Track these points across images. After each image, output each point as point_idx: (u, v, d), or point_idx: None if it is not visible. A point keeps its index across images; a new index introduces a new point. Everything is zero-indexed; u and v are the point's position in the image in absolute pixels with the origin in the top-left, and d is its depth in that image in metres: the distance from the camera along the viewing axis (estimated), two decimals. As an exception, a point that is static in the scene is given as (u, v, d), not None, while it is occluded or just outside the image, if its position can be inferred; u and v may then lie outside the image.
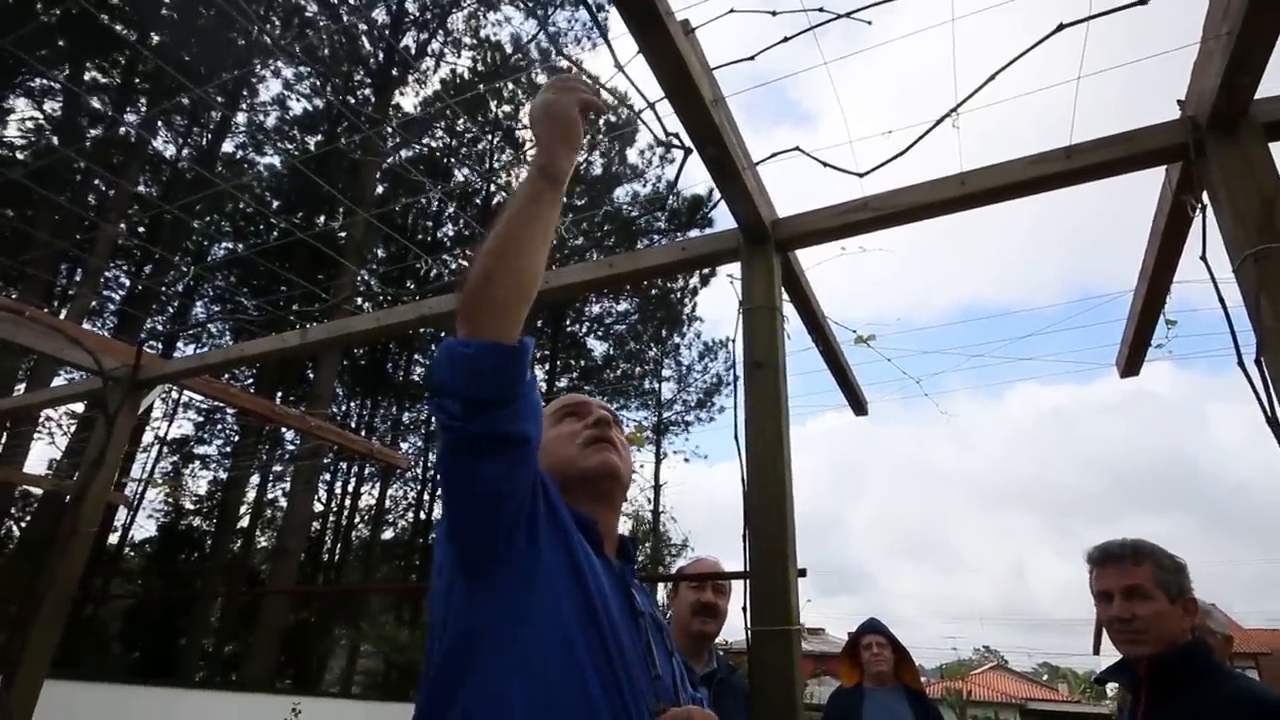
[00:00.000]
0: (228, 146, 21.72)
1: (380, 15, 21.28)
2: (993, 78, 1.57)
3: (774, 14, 1.35)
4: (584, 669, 0.91)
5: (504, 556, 0.95)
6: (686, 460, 28.24)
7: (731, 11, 1.34)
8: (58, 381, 13.02)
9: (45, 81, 17.07)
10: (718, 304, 29.94)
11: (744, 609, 1.73)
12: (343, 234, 18.80)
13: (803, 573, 1.77)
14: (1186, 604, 1.73)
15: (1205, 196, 1.71)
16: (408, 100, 22.65)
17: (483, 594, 0.94)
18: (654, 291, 26.91)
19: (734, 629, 2.29)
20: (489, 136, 23.30)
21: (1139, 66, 1.81)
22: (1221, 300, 1.56)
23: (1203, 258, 1.63)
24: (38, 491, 16.83)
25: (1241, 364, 1.51)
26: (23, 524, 19.60)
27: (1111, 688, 2.90)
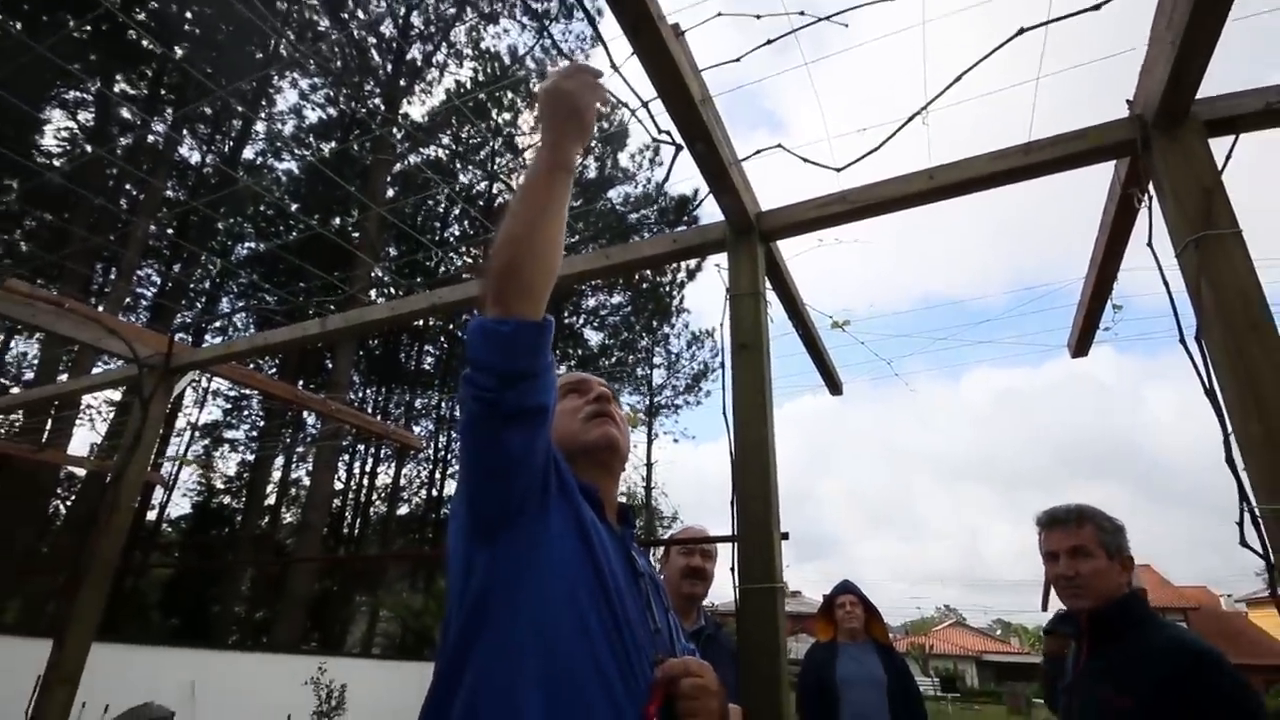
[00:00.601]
0: (248, 153, 21.49)
1: (388, 29, 21.01)
2: (959, 78, 1.56)
3: (759, 17, 1.33)
4: (589, 622, 0.91)
5: (518, 520, 0.95)
6: (676, 441, 28.39)
7: (719, 15, 1.33)
8: (96, 370, 12.89)
9: (77, 94, 16.79)
10: (704, 296, 29.96)
11: (732, 569, 1.74)
12: (356, 234, 18.64)
13: (785, 535, 1.78)
14: (1124, 561, 1.76)
15: (1151, 189, 1.71)
16: (415, 109, 22.44)
17: (499, 555, 0.94)
18: (645, 285, 26.88)
19: (719, 592, 2.30)
20: (491, 142, 23.10)
21: (1093, 66, 1.81)
22: (1166, 284, 1.56)
23: (1149, 244, 1.63)
24: (81, 472, 16.72)
25: (1183, 342, 1.51)
26: (68, 503, 19.49)
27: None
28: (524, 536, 0.95)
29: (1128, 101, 1.76)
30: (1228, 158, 1.59)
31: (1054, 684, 2.95)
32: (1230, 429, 1.36)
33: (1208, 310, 1.44)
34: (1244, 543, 1.31)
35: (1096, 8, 1.46)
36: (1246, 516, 1.31)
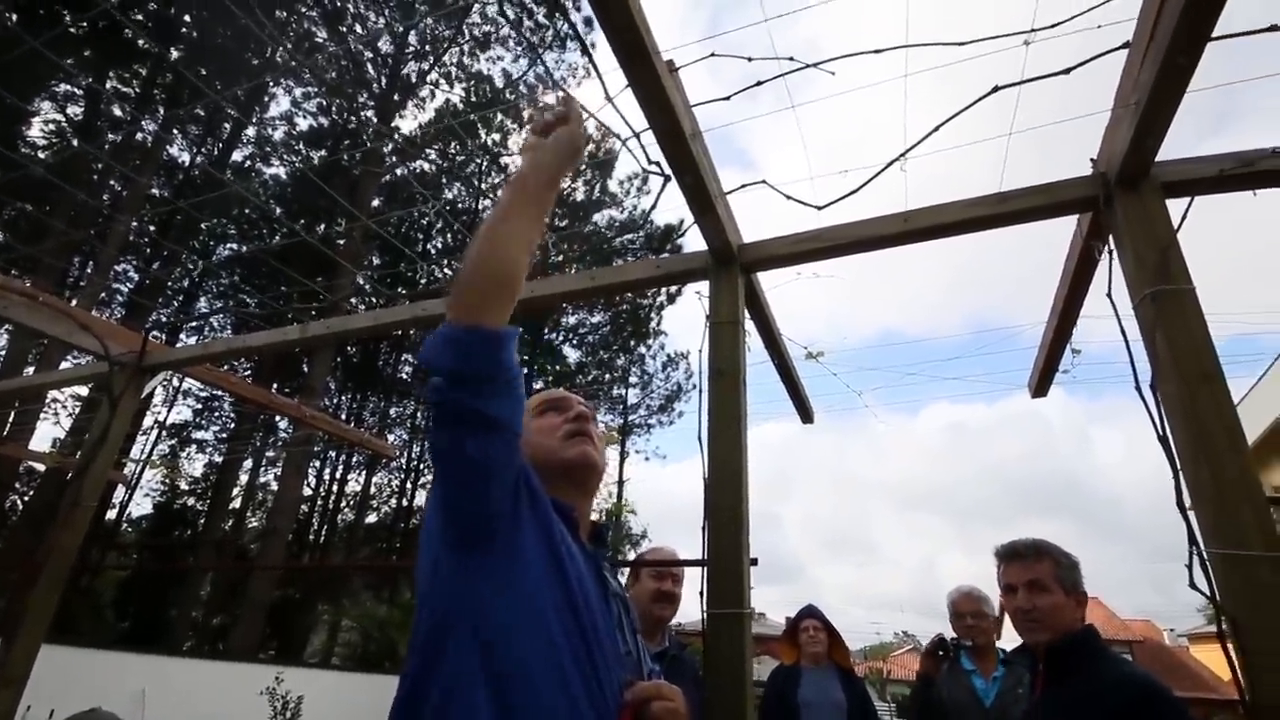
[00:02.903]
0: (237, 156, 21.22)
1: (385, 45, 21.01)
2: (938, 128, 1.60)
3: (750, 59, 1.36)
4: (557, 642, 0.89)
5: (489, 536, 0.93)
6: (647, 459, 28.33)
7: (713, 55, 1.35)
8: (65, 366, 12.47)
9: (68, 88, 16.47)
10: (681, 320, 30.17)
11: (701, 592, 1.72)
12: (341, 241, 18.44)
13: (754, 561, 1.77)
14: (1079, 597, 1.77)
15: (1111, 243, 1.76)
16: (406, 124, 22.41)
17: (469, 568, 0.92)
18: (624, 307, 26.95)
19: (683, 612, 2.29)
20: (479, 161, 23.13)
21: (1061, 124, 1.87)
22: (1124, 333, 1.60)
23: (1109, 295, 1.67)
24: (41, 468, 16.10)
25: (1139, 389, 1.55)
26: (26, 498, 18.71)
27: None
28: (495, 549, 0.93)
29: (1092, 160, 1.83)
30: (1183, 218, 1.65)
31: (924, 706, 3.02)
32: (1181, 474, 1.40)
33: (1162, 360, 1.49)
34: (1193, 585, 1.34)
35: (1067, 72, 1.52)
36: (1195, 559, 1.34)
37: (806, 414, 3.34)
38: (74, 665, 8.73)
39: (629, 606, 1.15)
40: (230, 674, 11.51)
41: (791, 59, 1.37)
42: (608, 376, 27.86)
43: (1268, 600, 1.22)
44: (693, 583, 2.34)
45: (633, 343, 27.75)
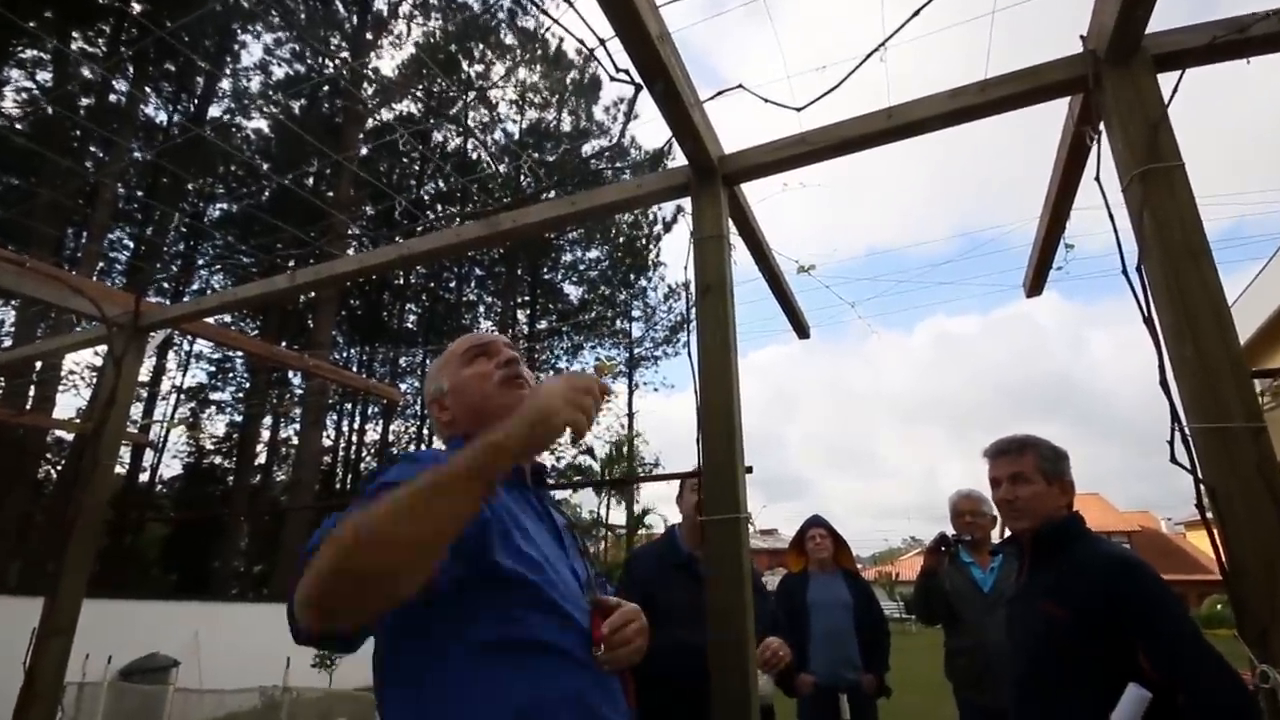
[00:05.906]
0: (214, 111, 20.51)
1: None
2: (917, 12, 1.51)
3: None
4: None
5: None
6: (656, 390, 28.59)
7: (672, -54, 1.26)
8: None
9: (36, 52, 15.78)
10: (680, 248, 29.72)
11: (698, 502, 1.76)
12: (330, 193, 18.03)
13: (749, 469, 1.79)
14: (1064, 485, 1.80)
15: (1102, 125, 1.68)
16: (385, 64, 21.50)
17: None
18: (621, 240, 26.53)
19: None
20: (463, 97, 22.29)
21: (1048, 4, 1.77)
22: (1111, 216, 1.55)
23: (1096, 179, 1.61)
24: (69, 437, 16.46)
25: (1125, 272, 1.52)
26: (58, 467, 19.21)
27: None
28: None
29: (1081, 37, 1.72)
30: (1174, 92, 1.57)
31: (927, 595, 3.19)
32: (1166, 353, 1.38)
33: (1149, 239, 1.45)
34: (1174, 460, 1.34)
35: (1051, -63, 1.41)
36: (1177, 436, 1.34)
37: (801, 329, 3.32)
38: (129, 616, 9.18)
39: (573, 533, 1.20)
40: (275, 614, 12.03)
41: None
42: (610, 312, 27.75)
43: (1246, 468, 1.23)
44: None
45: (633, 276, 27.47)
